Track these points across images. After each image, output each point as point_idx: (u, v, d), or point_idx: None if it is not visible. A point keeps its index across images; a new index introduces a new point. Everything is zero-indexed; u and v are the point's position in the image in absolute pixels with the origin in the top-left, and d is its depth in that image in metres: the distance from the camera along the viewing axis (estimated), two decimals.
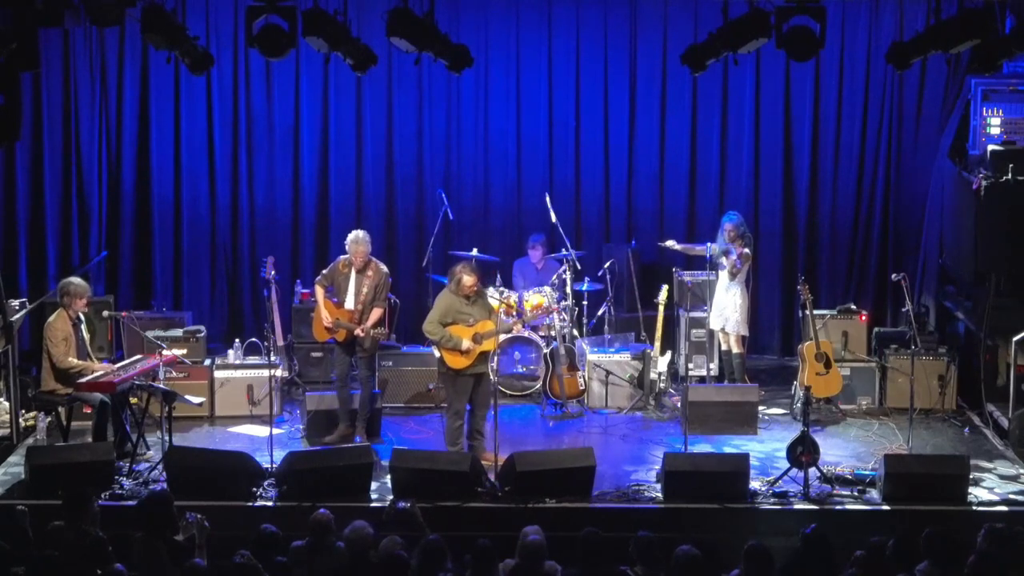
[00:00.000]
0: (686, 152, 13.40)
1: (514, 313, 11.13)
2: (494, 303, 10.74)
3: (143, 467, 9.71)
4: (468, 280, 9.99)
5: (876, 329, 12.26)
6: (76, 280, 10.32)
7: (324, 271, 10.75)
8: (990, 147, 11.31)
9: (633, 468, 9.94)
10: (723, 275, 11.63)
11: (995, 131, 11.61)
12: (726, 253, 11.48)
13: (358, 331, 10.36)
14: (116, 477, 9.38)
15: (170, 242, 13.38)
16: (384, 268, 10.61)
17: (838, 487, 9.38)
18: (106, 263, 13.15)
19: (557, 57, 13.25)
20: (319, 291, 10.60)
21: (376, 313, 10.45)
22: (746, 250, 11.42)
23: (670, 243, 12.13)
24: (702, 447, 10.32)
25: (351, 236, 10.53)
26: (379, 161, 13.39)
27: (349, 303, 10.46)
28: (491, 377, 10.10)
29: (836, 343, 11.73)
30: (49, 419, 10.45)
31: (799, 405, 10.45)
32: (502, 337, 10.80)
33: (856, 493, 9.32)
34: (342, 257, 10.64)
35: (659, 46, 13.16)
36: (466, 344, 9.89)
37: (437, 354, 10.11)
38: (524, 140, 13.42)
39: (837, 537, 7.82)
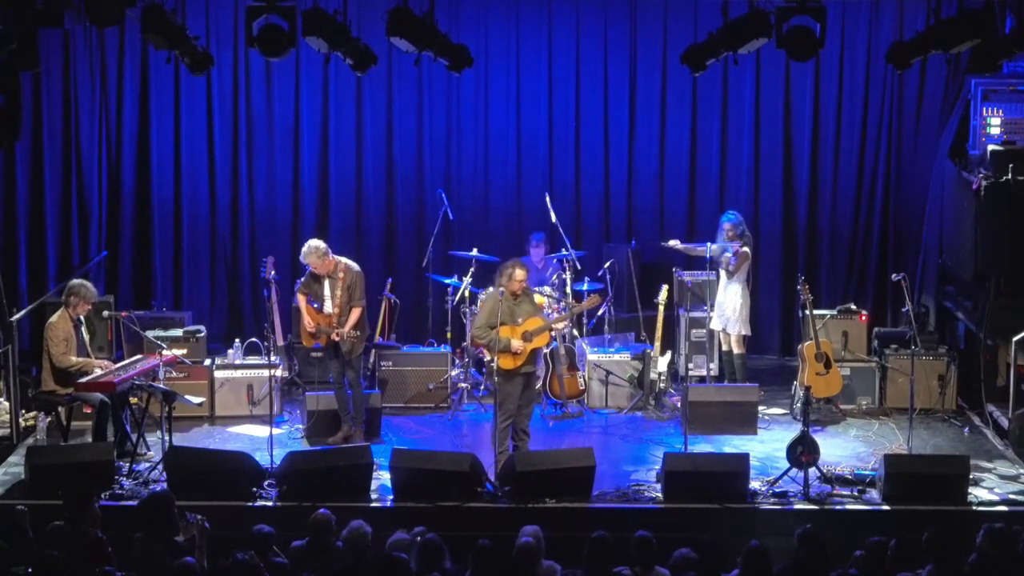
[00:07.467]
0: (686, 152, 13.40)
1: (558, 309, 11.16)
2: (539, 298, 10.77)
3: (143, 467, 9.71)
4: (520, 274, 9.83)
5: (876, 329, 12.26)
6: (86, 284, 10.30)
7: (302, 279, 10.72)
8: (990, 147, 11.30)
9: (633, 468, 9.94)
10: (723, 275, 11.63)
11: (995, 131, 11.60)
12: (724, 252, 11.50)
13: (334, 335, 10.36)
14: (116, 477, 9.38)
15: (170, 242, 13.38)
16: (355, 267, 10.56)
17: (838, 487, 9.38)
18: (106, 263, 13.15)
19: (557, 57, 13.24)
20: (301, 299, 10.60)
21: (355, 314, 10.43)
22: (744, 248, 11.42)
23: (673, 243, 12.08)
24: (702, 447, 10.32)
25: (302, 250, 10.47)
26: (379, 161, 13.39)
27: (328, 307, 10.45)
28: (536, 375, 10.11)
29: (836, 343, 11.73)
30: (49, 419, 10.44)
31: (799, 405, 10.44)
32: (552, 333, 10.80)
33: (856, 493, 9.32)
34: None
35: (659, 46, 13.16)
36: (516, 345, 9.73)
37: (487, 356, 10.00)
38: (524, 140, 13.41)
39: (837, 537, 7.84)
